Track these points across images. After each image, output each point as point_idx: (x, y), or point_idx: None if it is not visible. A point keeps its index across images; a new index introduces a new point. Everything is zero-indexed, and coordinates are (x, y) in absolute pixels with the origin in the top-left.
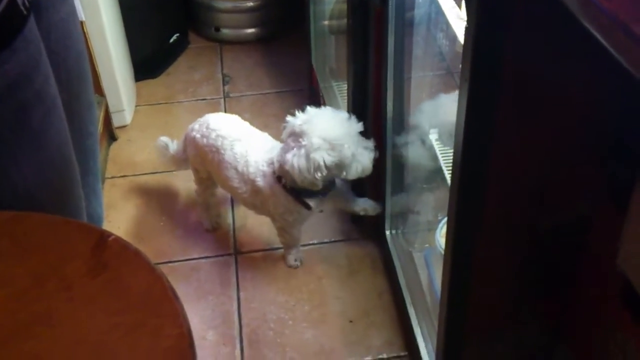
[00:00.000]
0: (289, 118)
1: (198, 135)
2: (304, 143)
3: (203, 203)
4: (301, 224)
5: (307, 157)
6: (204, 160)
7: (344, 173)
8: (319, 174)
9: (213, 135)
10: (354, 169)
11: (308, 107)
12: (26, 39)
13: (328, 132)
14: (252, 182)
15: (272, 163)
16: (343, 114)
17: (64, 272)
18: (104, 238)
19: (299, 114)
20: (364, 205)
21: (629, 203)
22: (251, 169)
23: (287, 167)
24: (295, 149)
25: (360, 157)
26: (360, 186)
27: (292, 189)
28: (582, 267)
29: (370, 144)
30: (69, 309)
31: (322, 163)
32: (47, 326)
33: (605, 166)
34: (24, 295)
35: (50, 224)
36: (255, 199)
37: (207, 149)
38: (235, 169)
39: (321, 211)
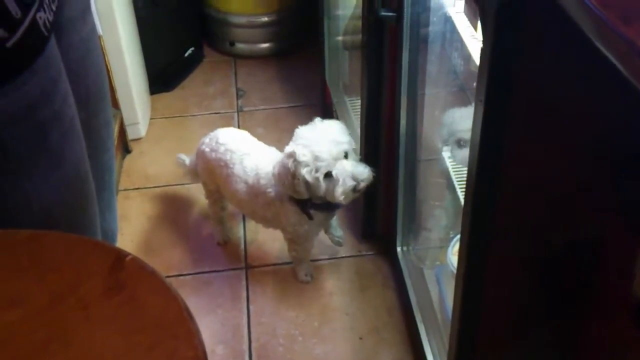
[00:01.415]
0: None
1: (207, 149)
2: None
3: (214, 216)
4: (312, 237)
5: (285, 161)
6: (213, 174)
7: (323, 186)
8: (302, 173)
9: (222, 149)
10: (340, 184)
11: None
12: (47, 60)
13: (310, 140)
14: (264, 194)
15: None
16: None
17: (81, 291)
18: (120, 258)
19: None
20: (338, 234)
21: None
22: (262, 182)
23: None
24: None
25: (342, 169)
26: (372, 202)
27: (297, 199)
28: (595, 286)
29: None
30: (85, 328)
31: (298, 160)
32: (63, 345)
33: (620, 188)
34: (41, 314)
35: (68, 243)
36: (267, 211)
37: (216, 163)
38: (246, 182)
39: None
